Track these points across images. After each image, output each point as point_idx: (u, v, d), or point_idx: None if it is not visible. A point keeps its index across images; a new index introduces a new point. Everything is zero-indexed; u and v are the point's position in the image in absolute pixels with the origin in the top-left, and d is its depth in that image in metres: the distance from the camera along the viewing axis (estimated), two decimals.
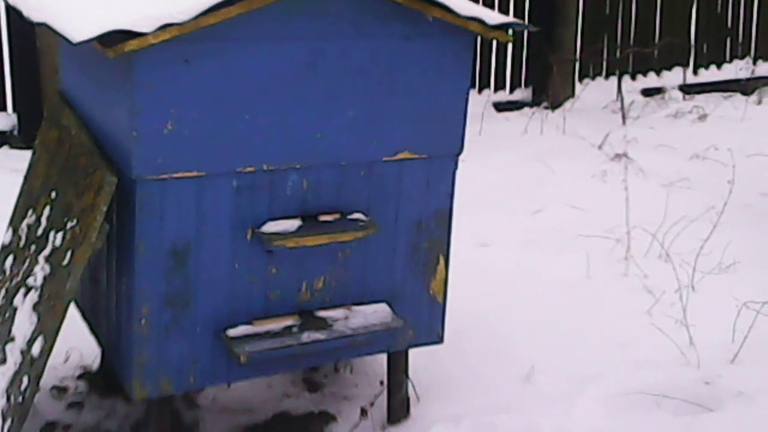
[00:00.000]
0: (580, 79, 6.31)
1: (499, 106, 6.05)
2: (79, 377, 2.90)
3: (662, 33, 6.58)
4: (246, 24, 2.19)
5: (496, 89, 6.12)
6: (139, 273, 2.26)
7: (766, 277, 3.50)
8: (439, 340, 2.69)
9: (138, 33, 2.07)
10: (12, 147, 4.91)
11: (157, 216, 2.24)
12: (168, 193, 2.24)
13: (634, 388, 2.73)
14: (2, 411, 2.28)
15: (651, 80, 6.60)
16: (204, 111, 2.22)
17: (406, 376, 2.72)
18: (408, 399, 2.75)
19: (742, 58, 6.91)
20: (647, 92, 6.48)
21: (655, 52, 6.54)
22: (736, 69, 6.79)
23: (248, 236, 2.35)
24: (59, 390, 2.84)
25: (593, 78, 6.39)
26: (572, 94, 6.18)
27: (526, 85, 6.20)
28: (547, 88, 6.07)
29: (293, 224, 2.37)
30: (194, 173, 2.25)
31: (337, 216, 2.43)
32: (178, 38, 2.12)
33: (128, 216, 2.26)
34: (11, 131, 4.98)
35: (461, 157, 2.57)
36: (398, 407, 2.73)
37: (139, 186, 2.21)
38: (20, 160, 4.41)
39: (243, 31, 2.20)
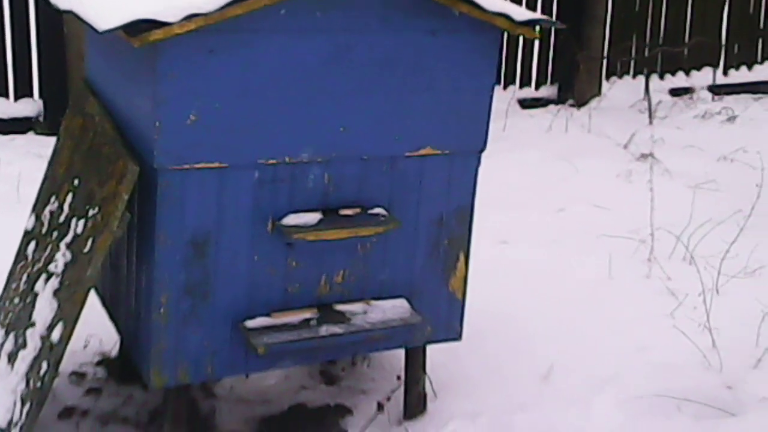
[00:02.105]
0: (607, 78, 6.25)
1: (524, 103, 6.01)
2: (98, 363, 2.92)
3: (692, 32, 6.50)
4: (272, 15, 2.19)
5: (521, 85, 6.08)
6: (158, 262, 2.26)
7: None
8: (458, 336, 2.67)
9: (163, 22, 2.07)
10: (37, 133, 4.95)
11: (178, 206, 2.25)
12: (189, 184, 2.24)
13: (654, 391, 2.70)
14: (21, 395, 2.30)
15: (680, 80, 6.53)
16: (227, 102, 2.22)
17: (424, 371, 2.71)
18: (425, 395, 2.74)
19: None
20: (675, 92, 6.40)
21: (685, 51, 6.47)
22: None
23: (269, 228, 2.35)
24: (78, 376, 2.86)
25: (620, 76, 6.33)
26: (598, 93, 6.12)
27: (551, 82, 6.16)
28: (573, 86, 6.02)
29: (314, 217, 2.36)
30: (216, 164, 2.25)
31: (357, 210, 2.42)
32: (204, 28, 2.11)
33: (149, 205, 2.27)
34: (37, 117, 5.01)
35: (484, 153, 2.55)
36: (415, 402, 2.73)
37: (160, 176, 2.21)
38: (45, 146, 4.44)
39: (269, 22, 2.20)
